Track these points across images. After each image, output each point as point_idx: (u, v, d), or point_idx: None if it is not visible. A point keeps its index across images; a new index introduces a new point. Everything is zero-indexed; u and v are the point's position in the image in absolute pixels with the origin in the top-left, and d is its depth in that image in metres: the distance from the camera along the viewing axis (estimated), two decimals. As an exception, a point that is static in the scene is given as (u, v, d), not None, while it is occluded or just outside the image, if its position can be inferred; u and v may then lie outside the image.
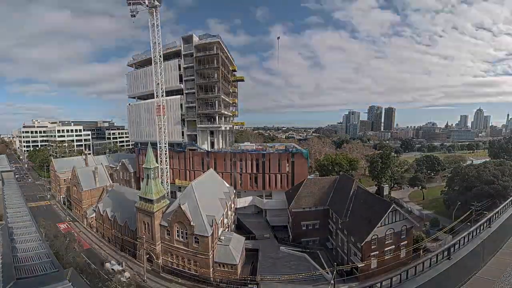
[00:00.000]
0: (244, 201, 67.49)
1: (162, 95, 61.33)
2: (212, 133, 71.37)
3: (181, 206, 42.41)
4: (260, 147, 77.13)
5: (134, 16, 55.34)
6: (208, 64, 66.76)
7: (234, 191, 63.84)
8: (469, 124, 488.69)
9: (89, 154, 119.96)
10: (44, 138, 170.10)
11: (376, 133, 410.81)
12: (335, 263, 37.26)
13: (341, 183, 53.45)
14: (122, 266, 46.78)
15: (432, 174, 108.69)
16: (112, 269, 45.06)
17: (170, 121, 69.41)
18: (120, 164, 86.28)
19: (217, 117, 69.70)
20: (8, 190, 46.28)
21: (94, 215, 62.52)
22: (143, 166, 47.70)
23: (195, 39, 67.84)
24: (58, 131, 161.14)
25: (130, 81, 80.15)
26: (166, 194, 52.90)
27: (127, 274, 44.12)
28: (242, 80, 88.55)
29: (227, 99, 75.36)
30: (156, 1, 54.57)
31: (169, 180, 65.16)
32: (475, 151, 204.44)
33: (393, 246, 40.58)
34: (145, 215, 45.53)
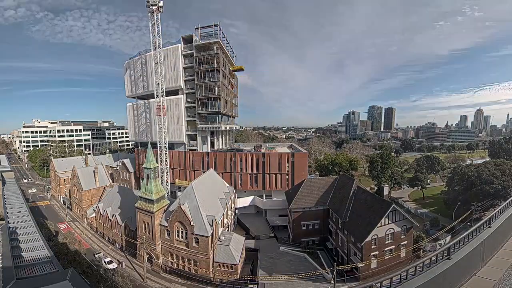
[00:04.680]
0: (244, 201, 67.50)
1: (162, 95, 61.49)
2: (212, 133, 71.40)
3: (181, 206, 42.43)
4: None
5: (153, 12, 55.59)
6: (208, 64, 66.78)
7: (234, 191, 63.86)
8: (469, 124, 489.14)
9: (89, 154, 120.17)
10: (44, 138, 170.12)
11: (376, 133, 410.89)
12: (335, 263, 37.27)
13: (341, 183, 53.44)
14: (117, 264, 47.11)
15: (432, 173, 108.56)
16: (104, 261, 45.93)
17: (170, 121, 69.49)
18: (120, 164, 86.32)
19: (217, 117, 69.74)
20: (8, 190, 46.31)
21: (94, 215, 62.53)
22: (143, 166, 47.71)
23: (195, 38, 67.89)
24: (58, 131, 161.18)
25: (129, 81, 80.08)
26: (166, 194, 52.94)
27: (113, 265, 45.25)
28: (242, 70, 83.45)
29: (227, 99, 75.39)
30: (157, 1, 54.70)
31: (169, 180, 65.32)
32: (475, 151, 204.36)
33: (393, 246, 40.60)
34: (145, 215, 45.55)
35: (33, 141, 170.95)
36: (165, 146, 62.75)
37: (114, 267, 44.85)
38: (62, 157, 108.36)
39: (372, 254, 39.32)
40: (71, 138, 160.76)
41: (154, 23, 57.05)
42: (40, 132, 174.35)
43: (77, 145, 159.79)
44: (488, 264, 11.52)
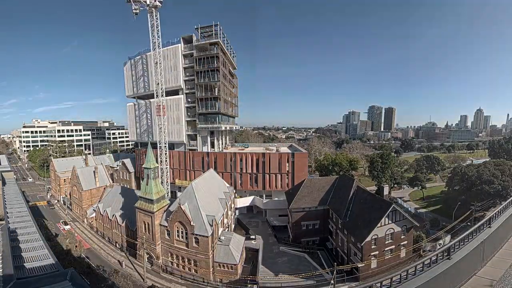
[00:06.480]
0: (244, 201, 67.51)
1: (162, 95, 61.48)
2: (212, 133, 71.39)
3: (181, 206, 42.41)
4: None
5: (137, 14, 55.48)
6: (208, 64, 66.76)
7: (234, 191, 63.84)
8: (469, 124, 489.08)
9: (89, 154, 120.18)
10: (44, 138, 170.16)
11: (376, 133, 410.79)
12: (335, 263, 37.25)
13: (341, 183, 53.42)
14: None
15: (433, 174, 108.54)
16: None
17: (170, 121, 69.48)
18: (120, 164, 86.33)
19: (217, 117, 69.69)
20: (8, 190, 46.26)
21: (94, 215, 62.50)
22: (143, 166, 47.70)
23: (195, 39, 67.86)
24: (58, 131, 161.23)
25: (129, 81, 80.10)
26: (166, 194, 52.91)
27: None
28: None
29: (227, 99, 75.37)
30: (157, 1, 54.66)
31: (169, 180, 65.30)
32: (475, 151, 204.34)
33: (393, 246, 40.59)
34: (145, 215, 45.54)
35: (33, 141, 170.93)
36: (165, 146, 62.74)
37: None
38: (62, 157, 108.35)
39: (372, 254, 39.31)
40: (71, 138, 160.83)
41: (153, 23, 57.01)
42: (40, 132, 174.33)
43: (77, 145, 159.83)
44: (488, 264, 11.53)
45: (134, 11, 54.86)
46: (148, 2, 54.33)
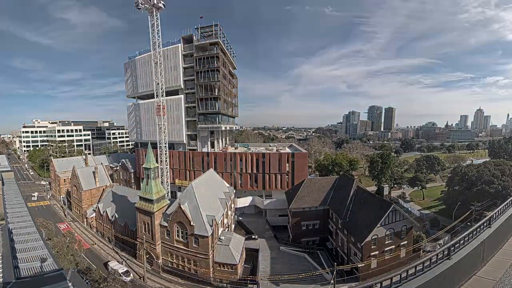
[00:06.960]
0: (244, 201, 67.48)
1: (162, 95, 61.46)
2: (212, 133, 71.38)
3: (181, 206, 42.40)
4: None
5: (139, 9, 54.05)
6: (208, 64, 66.73)
7: (234, 191, 63.84)
8: (469, 124, 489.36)
9: (89, 154, 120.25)
10: (44, 138, 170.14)
11: (376, 133, 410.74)
12: (335, 263, 37.25)
13: (341, 183, 53.42)
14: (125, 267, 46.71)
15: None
16: (113, 268, 44.87)
17: (170, 121, 69.46)
18: (120, 164, 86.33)
19: (217, 117, 69.68)
20: (8, 190, 46.24)
21: (94, 215, 62.53)
22: (143, 166, 47.68)
23: (195, 39, 67.84)
24: (58, 131, 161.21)
25: (129, 81, 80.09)
26: (166, 194, 52.89)
27: (130, 277, 43.50)
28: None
29: (227, 99, 75.37)
30: (160, 3, 54.29)
31: (169, 180, 65.25)
32: (475, 151, 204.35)
33: (393, 246, 40.59)
34: (145, 215, 45.55)
35: (33, 141, 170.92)
36: (165, 146, 62.71)
37: (130, 279, 42.17)
38: (62, 157, 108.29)
39: (372, 254, 39.30)
40: (71, 138, 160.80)
41: (153, 23, 56.89)
42: (40, 132, 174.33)
43: (77, 145, 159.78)
44: (488, 264, 11.51)
45: (138, 6, 53.07)
46: (151, 3, 53.71)
